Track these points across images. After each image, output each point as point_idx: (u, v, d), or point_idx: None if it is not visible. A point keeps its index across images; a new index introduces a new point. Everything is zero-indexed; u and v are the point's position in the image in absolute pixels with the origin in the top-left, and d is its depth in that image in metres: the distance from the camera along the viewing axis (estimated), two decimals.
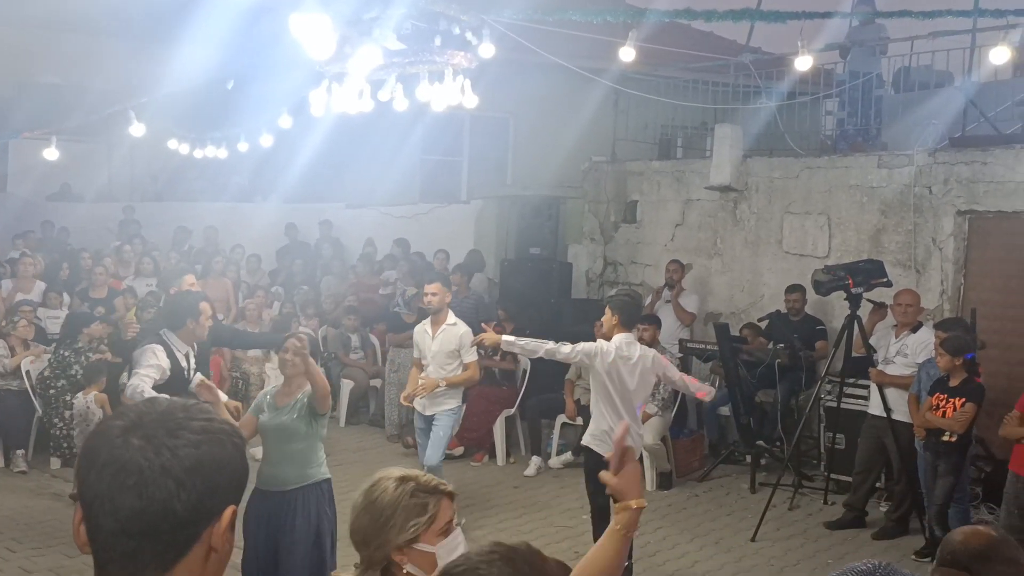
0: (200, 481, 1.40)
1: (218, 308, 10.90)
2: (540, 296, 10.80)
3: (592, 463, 5.87)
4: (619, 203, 11.63)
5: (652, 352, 6.15)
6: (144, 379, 5.37)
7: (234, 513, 1.46)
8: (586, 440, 6.07)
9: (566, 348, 5.97)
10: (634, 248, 11.47)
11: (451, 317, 7.28)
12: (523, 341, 6.19)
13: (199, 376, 5.80)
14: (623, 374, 5.89)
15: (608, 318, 6.03)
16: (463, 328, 7.17)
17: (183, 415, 1.45)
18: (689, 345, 9.49)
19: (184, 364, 5.74)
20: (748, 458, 8.74)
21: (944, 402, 6.58)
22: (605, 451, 5.63)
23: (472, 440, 9.46)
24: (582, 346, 5.96)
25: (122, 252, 12.08)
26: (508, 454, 9.37)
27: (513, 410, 9.52)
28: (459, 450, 9.39)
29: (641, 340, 8.79)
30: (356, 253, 12.90)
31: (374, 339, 11.13)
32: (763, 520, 7.23)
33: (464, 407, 7.74)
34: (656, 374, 6.11)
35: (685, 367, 9.26)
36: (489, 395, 9.45)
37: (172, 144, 12.78)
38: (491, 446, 9.42)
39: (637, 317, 6.20)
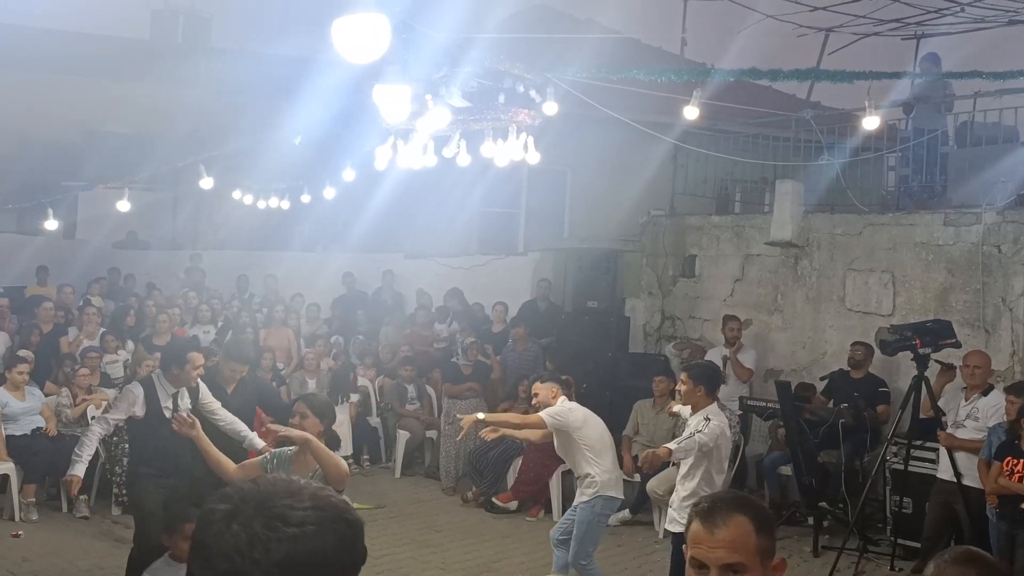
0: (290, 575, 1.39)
1: (279, 357, 11.07)
2: (597, 349, 10.74)
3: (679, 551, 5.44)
4: (678, 257, 11.57)
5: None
6: (101, 423, 6.09)
7: None
8: (671, 526, 5.73)
9: (704, 438, 5.55)
10: (692, 303, 11.38)
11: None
12: (683, 445, 5.65)
13: (182, 412, 5.84)
14: (722, 447, 5.69)
15: (689, 389, 5.72)
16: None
17: (287, 501, 1.44)
18: (749, 403, 9.32)
19: (169, 404, 6.03)
20: (810, 520, 8.53)
21: (1018, 466, 6.37)
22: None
23: (527, 493, 9.37)
24: (710, 428, 5.56)
25: (188, 299, 12.29)
26: (564, 509, 9.24)
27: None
28: (513, 504, 9.30)
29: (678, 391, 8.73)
30: (415, 303, 12.98)
31: (430, 389, 11.16)
32: None
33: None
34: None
35: (745, 425, 9.12)
36: (546, 448, 9.34)
37: (236, 195, 13.05)
38: (547, 501, 9.31)
39: (719, 384, 5.94)
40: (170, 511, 5.10)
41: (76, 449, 6.02)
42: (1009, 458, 6.43)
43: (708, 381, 5.73)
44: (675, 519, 5.62)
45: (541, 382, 6.59)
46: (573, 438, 6.27)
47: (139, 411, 6.04)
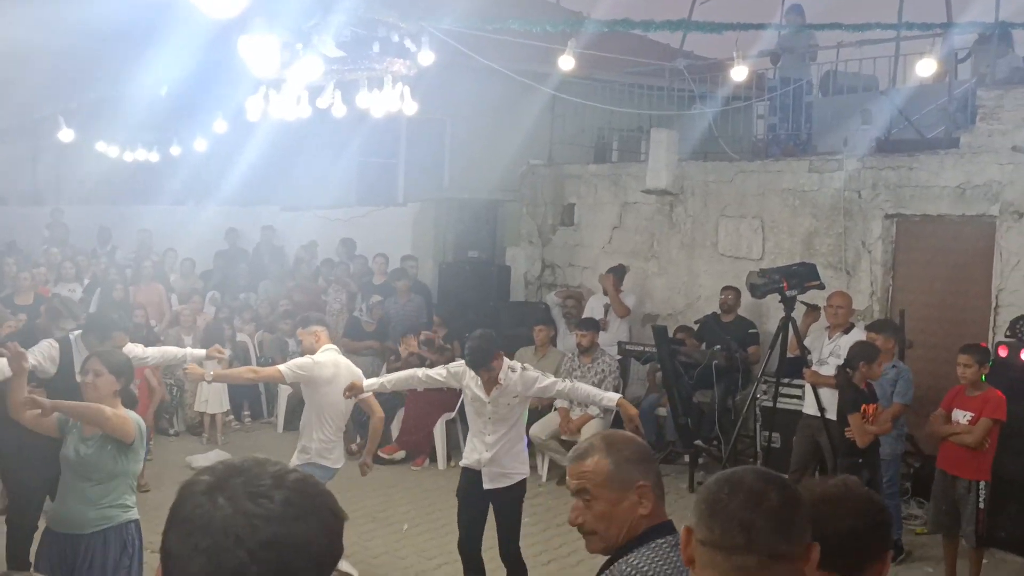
0: (273, 557, 1.34)
1: (151, 313, 10.77)
2: (479, 299, 10.83)
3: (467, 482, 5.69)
4: (556, 206, 11.71)
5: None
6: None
7: None
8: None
9: (435, 373, 5.84)
10: (572, 251, 11.56)
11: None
12: (388, 379, 6.16)
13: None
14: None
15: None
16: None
17: (271, 481, 1.39)
18: (628, 347, 9.61)
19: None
20: (687, 458, 8.88)
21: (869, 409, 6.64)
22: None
23: (411, 444, 9.45)
24: (447, 369, 5.81)
25: (51, 256, 11.80)
26: (449, 458, 9.37)
27: (453, 414, 9.52)
28: (400, 454, 9.37)
29: (580, 346, 8.95)
30: (293, 256, 12.79)
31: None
32: None
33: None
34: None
35: (624, 369, 9.39)
36: (428, 398, 9.42)
37: (100, 146, 12.54)
38: (431, 450, 9.42)
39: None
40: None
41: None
42: (863, 405, 6.59)
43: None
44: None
45: (303, 327, 6.33)
46: (314, 394, 6.06)
47: (51, 368, 5.76)
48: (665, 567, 2.36)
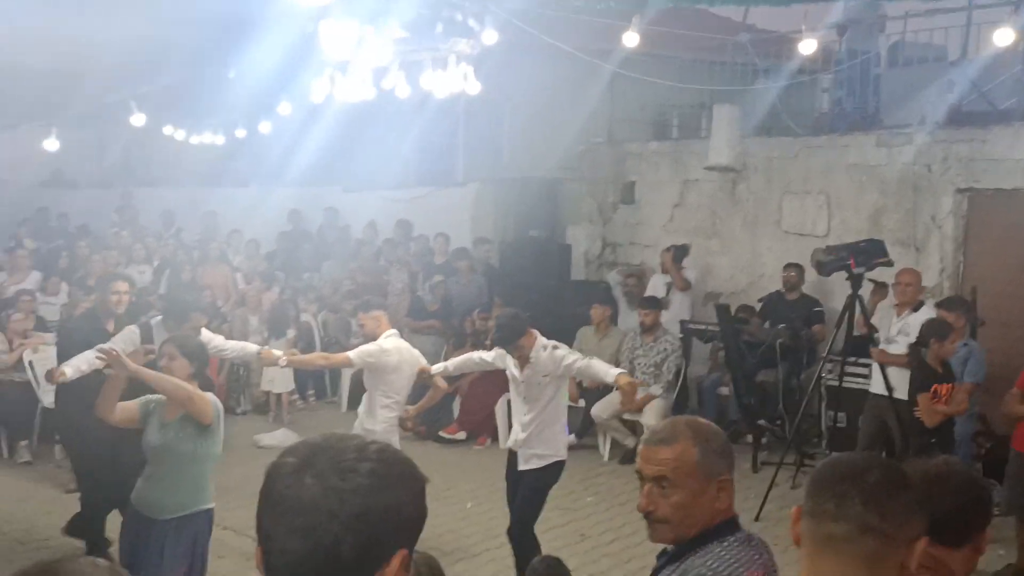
0: (366, 528, 1.39)
1: (218, 294, 10.98)
2: (539, 278, 10.81)
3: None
4: (617, 184, 11.66)
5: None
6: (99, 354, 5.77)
7: (406, 557, 1.44)
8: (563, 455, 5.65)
9: (487, 356, 5.89)
10: (632, 229, 11.51)
11: None
12: (450, 364, 6.23)
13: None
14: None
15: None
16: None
17: (355, 455, 1.44)
18: (690, 326, 9.54)
19: None
20: (750, 438, 8.81)
21: (943, 389, 6.53)
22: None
23: (474, 424, 9.51)
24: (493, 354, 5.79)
25: (121, 239, 12.08)
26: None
27: None
28: (461, 435, 9.44)
29: (643, 324, 8.92)
30: (356, 237, 12.91)
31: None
32: (767, 499, 7.29)
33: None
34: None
35: (686, 348, 9.33)
36: (487, 379, 9.46)
37: (168, 130, 12.77)
38: (494, 429, 9.48)
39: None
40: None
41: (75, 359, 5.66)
42: (935, 385, 6.49)
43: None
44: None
45: (364, 311, 6.37)
46: (379, 379, 6.12)
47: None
48: (739, 568, 2.31)
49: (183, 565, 4.46)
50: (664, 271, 10.13)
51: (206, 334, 6.26)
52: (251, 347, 6.53)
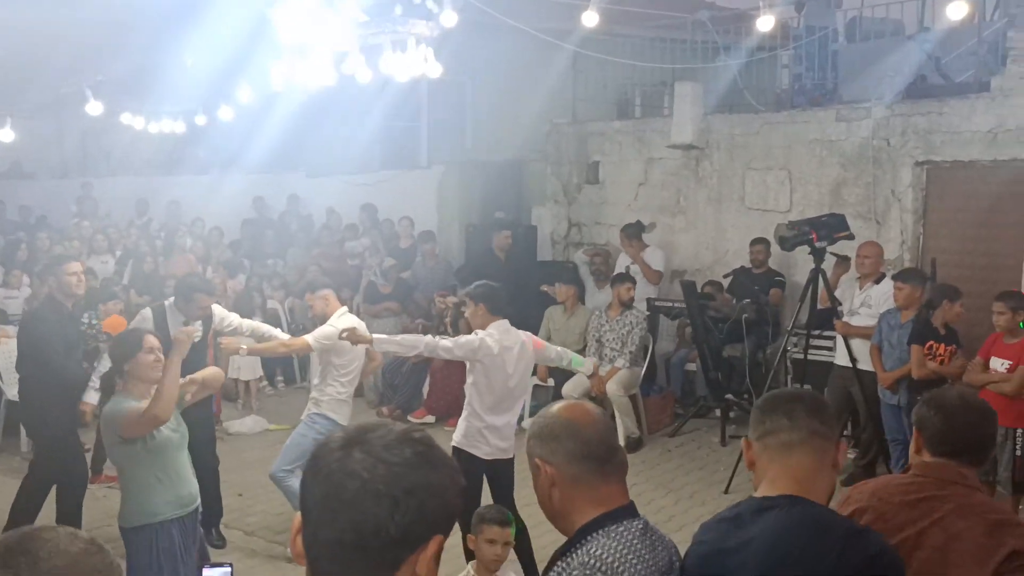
0: (414, 504, 1.41)
1: None
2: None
3: (466, 465, 5.20)
4: (581, 164, 11.67)
5: (523, 335, 5.60)
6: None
7: (441, 544, 1.46)
8: (457, 440, 5.46)
9: (446, 342, 5.53)
10: (598, 209, 11.53)
11: None
12: (399, 338, 5.91)
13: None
14: (507, 366, 5.40)
15: (472, 311, 5.54)
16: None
17: (398, 437, 1.47)
18: (657, 303, 9.60)
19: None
20: (718, 412, 8.91)
21: (939, 349, 6.62)
22: (485, 453, 5.33)
23: (441, 408, 9.51)
24: (464, 339, 5.47)
25: (82, 229, 11.93)
26: None
27: None
28: (430, 418, 9.44)
29: (620, 298, 8.94)
30: (320, 222, 12.85)
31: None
32: (735, 472, 7.37)
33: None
34: (531, 359, 5.66)
35: (653, 325, 9.39)
36: (452, 360, 9.45)
37: (126, 118, 12.60)
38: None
39: (503, 302, 5.56)
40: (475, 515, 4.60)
41: (92, 377, 5.99)
42: (931, 342, 6.64)
43: (486, 299, 5.49)
44: (464, 440, 5.45)
45: (311, 292, 6.34)
46: (332, 357, 6.08)
47: None
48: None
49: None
50: (629, 254, 10.13)
51: (219, 311, 6.36)
52: (264, 327, 6.51)
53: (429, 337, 5.69)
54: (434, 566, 1.46)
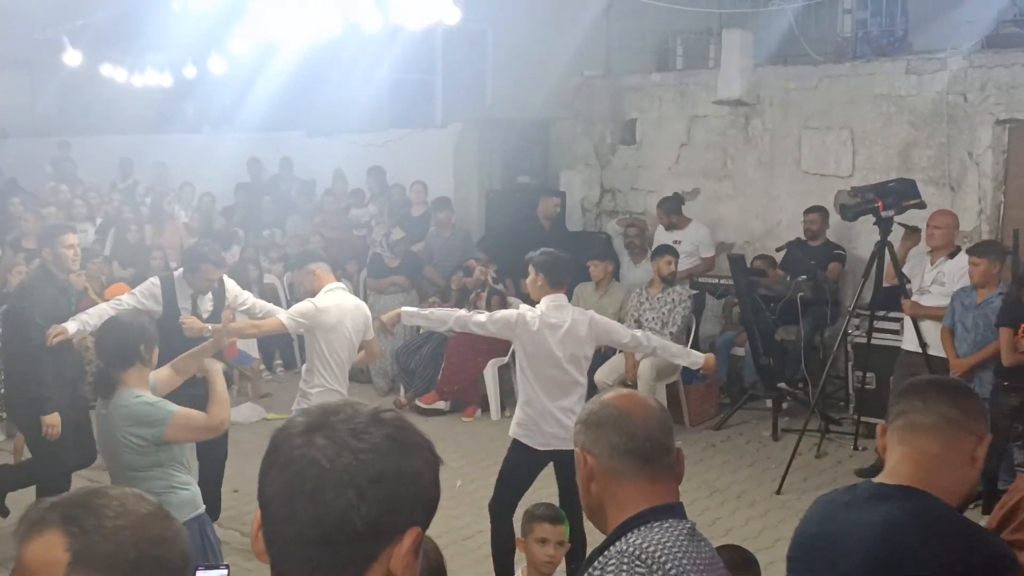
0: (382, 493, 1.40)
1: (171, 255, 10.92)
2: (531, 230, 10.76)
3: (519, 456, 5.49)
4: (616, 123, 11.59)
5: (589, 315, 5.59)
6: (115, 306, 6.03)
7: (419, 536, 1.45)
8: (511, 429, 5.59)
9: (480, 317, 5.57)
10: (634, 173, 11.47)
11: None
12: (427, 311, 5.90)
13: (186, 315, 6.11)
14: (550, 344, 5.41)
15: (531, 278, 5.53)
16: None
17: (368, 419, 1.46)
18: (700, 280, 9.54)
19: (188, 305, 6.29)
20: (769, 402, 8.88)
21: None
22: (538, 443, 5.38)
23: (454, 393, 9.51)
24: (500, 314, 5.56)
25: (59, 194, 11.98)
26: (503, 407, 9.44)
27: (507, 358, 9.56)
28: (441, 404, 9.44)
29: (660, 272, 8.89)
30: (322, 187, 12.84)
31: (346, 284, 11.13)
32: (789, 470, 7.36)
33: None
34: (594, 342, 5.64)
35: (697, 304, 9.33)
36: (473, 341, 9.40)
37: (107, 70, 12.61)
38: (483, 398, 9.49)
39: (565, 275, 5.62)
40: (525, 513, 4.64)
41: (82, 314, 6.03)
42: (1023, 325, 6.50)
43: (547, 269, 5.49)
44: (519, 429, 5.53)
45: (299, 268, 6.36)
46: (314, 340, 6.00)
47: (156, 307, 6.19)
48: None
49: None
50: (667, 228, 10.05)
51: (232, 287, 6.49)
52: (279, 311, 6.45)
53: (462, 311, 5.72)
54: (412, 560, 1.45)
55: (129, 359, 4.33)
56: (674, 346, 6.09)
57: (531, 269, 5.55)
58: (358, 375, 10.52)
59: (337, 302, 6.08)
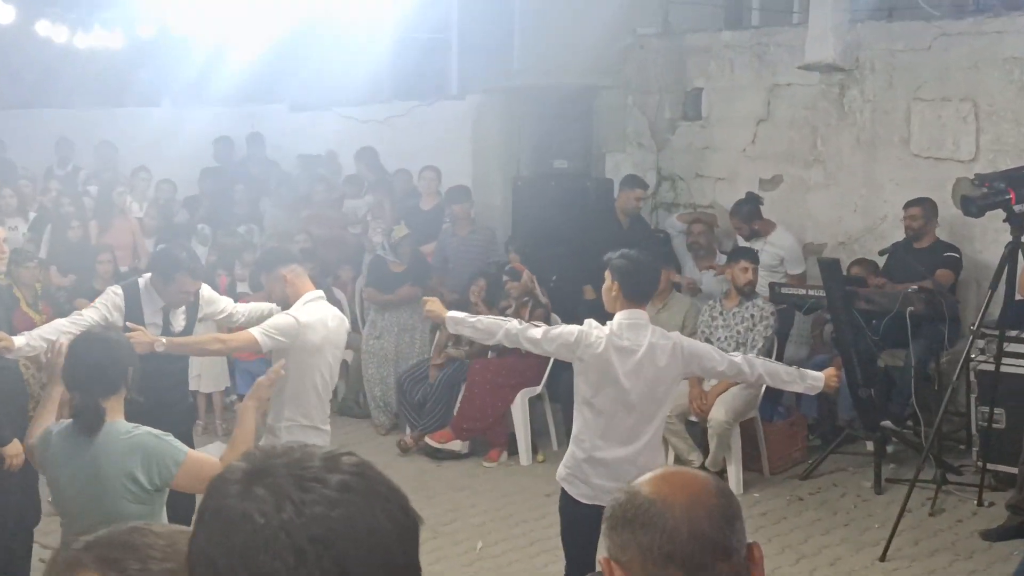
0: (328, 556, 1.39)
1: (121, 258, 10.98)
2: (570, 227, 10.75)
3: (567, 508, 5.54)
4: (676, 93, 11.60)
5: (673, 339, 5.54)
6: (76, 322, 6.03)
7: None
8: (559, 473, 5.63)
9: (535, 332, 5.53)
10: (699, 155, 11.46)
11: None
12: (475, 319, 5.83)
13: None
14: (618, 374, 5.36)
15: (607, 286, 5.52)
16: None
17: (321, 464, 1.47)
18: (784, 291, 9.47)
19: (158, 320, 6.38)
20: (870, 445, 8.84)
21: None
22: (581, 495, 5.38)
23: (477, 432, 9.49)
24: (561, 329, 5.56)
25: None
26: (535, 449, 9.41)
27: (540, 388, 9.53)
28: (457, 444, 9.40)
29: (736, 283, 8.84)
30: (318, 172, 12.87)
31: (339, 294, 11.10)
32: (896, 531, 7.30)
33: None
34: (680, 375, 5.64)
35: (782, 321, 9.26)
36: (500, 368, 9.39)
37: (43, 28, 12.69)
38: (509, 439, 9.46)
39: (649, 287, 5.64)
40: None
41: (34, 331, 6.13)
42: None
43: (625, 277, 5.45)
44: (565, 472, 5.58)
45: (267, 271, 6.27)
46: (291, 362, 5.79)
47: (118, 318, 6.25)
48: None
49: None
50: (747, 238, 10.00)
51: (207, 294, 6.57)
52: (268, 306, 6.58)
53: (515, 322, 5.69)
54: None
55: (114, 384, 4.35)
56: (783, 369, 5.98)
57: (607, 274, 5.51)
58: (352, 409, 10.57)
59: (322, 318, 6.09)
